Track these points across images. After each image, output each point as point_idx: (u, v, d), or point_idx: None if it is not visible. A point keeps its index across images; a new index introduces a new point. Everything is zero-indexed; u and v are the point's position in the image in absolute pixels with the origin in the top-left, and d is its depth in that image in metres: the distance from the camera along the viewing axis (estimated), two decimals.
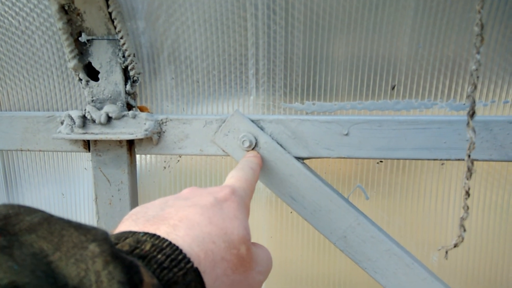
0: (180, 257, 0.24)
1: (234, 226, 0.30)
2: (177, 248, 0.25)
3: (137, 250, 0.24)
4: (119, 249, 0.23)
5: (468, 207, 0.43)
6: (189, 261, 0.25)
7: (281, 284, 0.76)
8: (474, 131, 0.42)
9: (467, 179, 0.42)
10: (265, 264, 0.34)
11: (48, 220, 0.20)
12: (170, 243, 0.25)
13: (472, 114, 0.42)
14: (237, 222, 0.31)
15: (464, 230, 0.45)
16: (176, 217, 0.29)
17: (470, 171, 0.42)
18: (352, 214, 0.59)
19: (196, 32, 0.62)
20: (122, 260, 0.20)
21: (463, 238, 0.44)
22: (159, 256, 0.24)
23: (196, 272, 0.25)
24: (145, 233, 0.25)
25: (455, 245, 0.44)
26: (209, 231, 0.28)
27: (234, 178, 0.40)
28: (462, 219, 0.44)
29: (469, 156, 0.42)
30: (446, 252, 0.44)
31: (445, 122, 0.56)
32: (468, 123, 0.42)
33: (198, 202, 0.32)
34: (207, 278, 0.26)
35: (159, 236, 0.25)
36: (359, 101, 0.64)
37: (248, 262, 0.30)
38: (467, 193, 0.43)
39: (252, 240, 0.33)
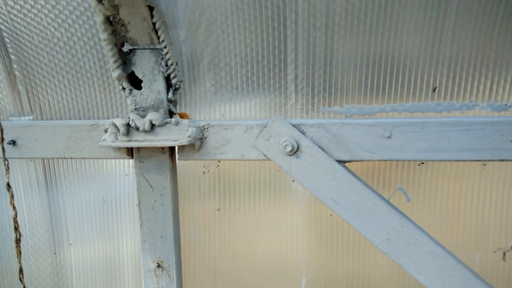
0: None
1: None
2: None
3: None
4: None
5: None
6: None
7: (320, 286, 0.77)
8: None
9: None
10: None
11: None
12: None
13: None
14: None
15: None
16: None
17: None
18: (395, 217, 0.60)
19: (236, 40, 0.63)
20: None
21: None
22: None
23: None
24: None
25: None
26: None
27: None
28: None
29: None
30: (504, 253, 0.44)
31: (488, 123, 0.56)
32: None
33: None
34: None
35: None
36: (400, 103, 0.64)
37: None
38: None
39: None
